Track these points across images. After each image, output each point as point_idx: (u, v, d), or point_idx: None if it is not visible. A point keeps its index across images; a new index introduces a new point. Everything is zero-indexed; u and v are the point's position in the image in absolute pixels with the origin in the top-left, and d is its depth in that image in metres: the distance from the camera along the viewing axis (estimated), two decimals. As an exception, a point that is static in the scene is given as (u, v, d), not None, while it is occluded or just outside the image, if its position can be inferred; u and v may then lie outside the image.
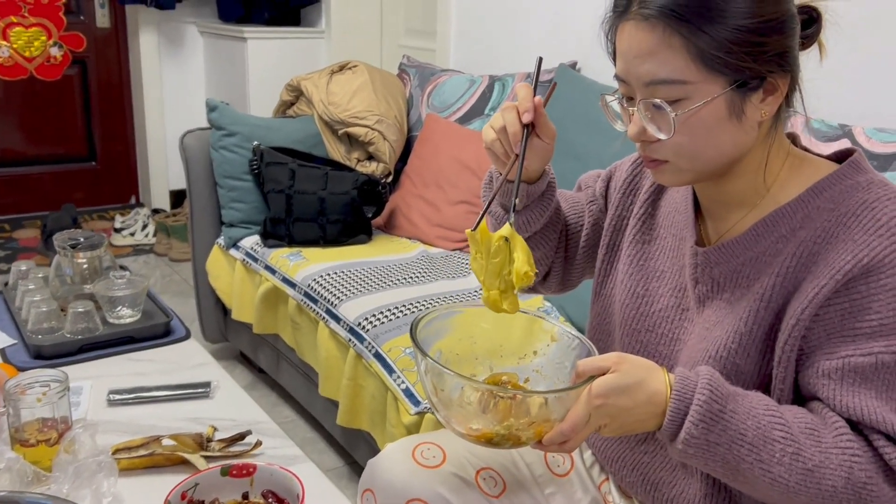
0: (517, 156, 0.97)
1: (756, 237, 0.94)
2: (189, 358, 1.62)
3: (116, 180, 4.32)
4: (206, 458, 1.25)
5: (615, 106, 0.95)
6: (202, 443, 1.27)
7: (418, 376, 0.96)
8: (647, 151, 0.92)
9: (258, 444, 1.29)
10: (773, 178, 0.93)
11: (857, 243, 0.85)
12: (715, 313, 0.97)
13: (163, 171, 4.19)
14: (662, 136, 0.88)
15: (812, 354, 0.89)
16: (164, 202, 4.22)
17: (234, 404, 1.45)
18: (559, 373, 1.02)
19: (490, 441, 0.90)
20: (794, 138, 0.98)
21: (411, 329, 0.94)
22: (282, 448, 1.32)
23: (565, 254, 1.21)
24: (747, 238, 0.94)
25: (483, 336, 1.04)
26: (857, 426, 0.86)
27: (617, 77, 0.92)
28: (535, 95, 0.98)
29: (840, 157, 0.97)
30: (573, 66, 2.50)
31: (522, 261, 0.92)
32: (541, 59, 0.99)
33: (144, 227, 3.92)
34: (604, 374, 0.87)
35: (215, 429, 1.33)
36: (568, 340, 1.01)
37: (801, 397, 0.93)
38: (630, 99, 0.91)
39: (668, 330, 1.04)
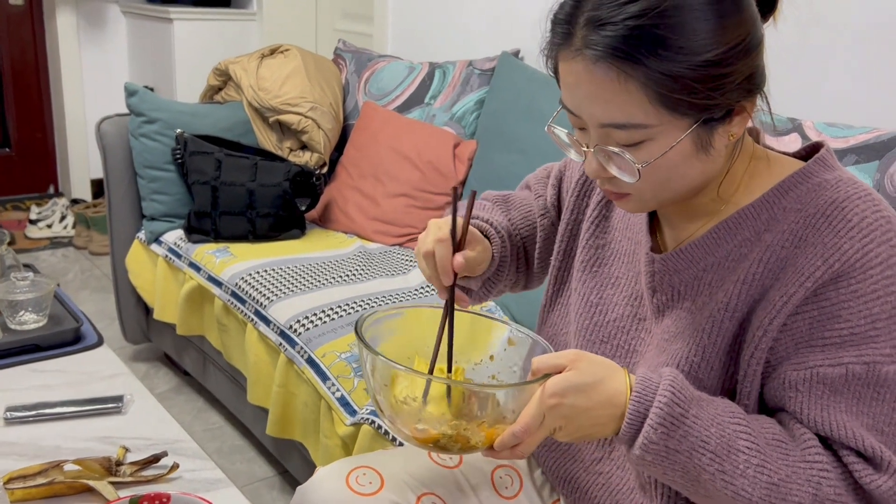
0: (444, 315, 0.92)
1: (717, 241, 0.88)
2: (101, 368, 1.50)
3: (33, 168, 4.14)
4: (114, 484, 1.14)
5: (563, 136, 0.87)
6: (111, 467, 1.17)
7: (363, 375, 0.89)
8: (606, 186, 0.87)
9: (175, 466, 1.19)
10: (734, 186, 0.88)
11: (828, 247, 0.81)
12: (675, 324, 0.92)
13: (83, 158, 4.02)
14: (627, 180, 0.82)
15: (779, 365, 0.84)
16: (84, 192, 4.06)
17: (149, 421, 1.34)
18: (514, 378, 0.98)
19: (437, 443, 0.84)
20: (755, 134, 0.92)
21: (357, 325, 0.88)
22: (202, 471, 1.22)
23: (526, 268, 1.17)
24: (708, 242, 0.89)
25: (433, 340, 0.97)
26: (825, 440, 0.82)
27: (564, 105, 0.84)
28: (455, 240, 0.91)
29: (807, 154, 0.91)
30: (516, 53, 2.46)
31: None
32: (455, 189, 0.92)
33: (63, 218, 3.75)
34: (560, 373, 0.82)
35: (127, 450, 1.23)
36: (524, 342, 0.97)
37: (766, 410, 0.88)
38: (582, 129, 0.84)
39: (623, 341, 0.99)
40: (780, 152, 0.92)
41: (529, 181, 1.18)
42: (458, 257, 0.92)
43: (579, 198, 1.07)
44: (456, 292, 0.94)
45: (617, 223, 1.03)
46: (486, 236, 1.06)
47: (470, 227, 0.96)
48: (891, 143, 1.58)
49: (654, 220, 0.98)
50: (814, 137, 1.70)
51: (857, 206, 0.82)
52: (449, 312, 0.92)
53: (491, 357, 0.99)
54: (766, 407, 0.87)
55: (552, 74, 0.86)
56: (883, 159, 1.58)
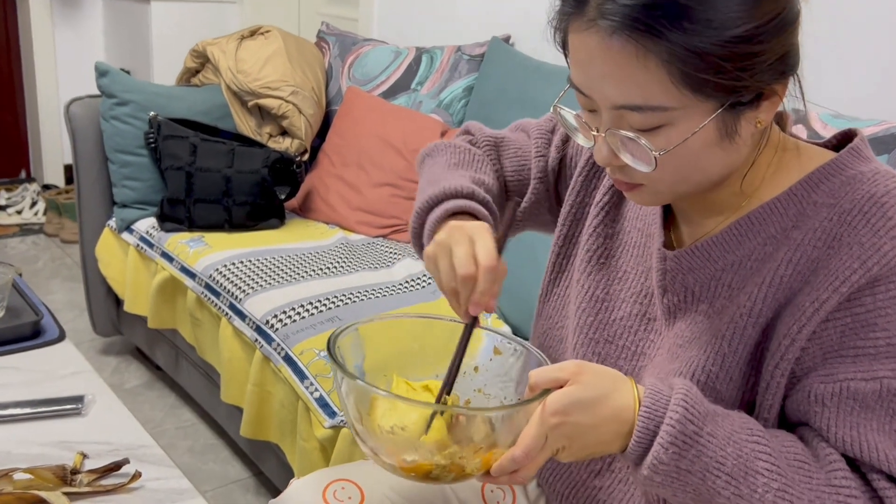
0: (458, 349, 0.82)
1: (738, 238, 0.81)
2: (61, 365, 1.40)
3: (3, 152, 4.04)
4: (70, 495, 1.05)
5: (571, 119, 0.80)
6: (66, 476, 1.07)
7: (339, 400, 0.82)
8: (617, 175, 0.79)
9: (137, 475, 1.10)
10: (759, 179, 0.81)
11: (865, 247, 0.73)
12: (689, 328, 0.84)
13: (56, 143, 3.93)
14: (642, 169, 0.75)
15: (804, 377, 0.77)
16: (57, 177, 3.96)
17: (111, 424, 1.24)
18: (504, 390, 0.90)
19: (428, 475, 0.76)
20: (782, 121, 0.84)
21: (329, 344, 0.80)
22: (167, 479, 1.13)
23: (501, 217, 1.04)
24: (727, 239, 0.81)
25: (413, 352, 0.91)
26: (853, 461, 0.75)
27: (573, 84, 0.76)
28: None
29: (838, 143, 0.84)
30: (506, 39, 2.42)
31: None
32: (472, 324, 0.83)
33: (33, 204, 3.68)
34: (561, 387, 0.74)
35: (85, 456, 1.14)
36: (510, 350, 0.89)
37: (787, 424, 0.81)
38: (592, 111, 0.77)
39: (630, 342, 0.92)
40: (808, 141, 0.84)
41: (528, 127, 1.05)
42: (495, 293, 0.81)
43: (587, 178, 0.98)
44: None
45: (628, 212, 0.95)
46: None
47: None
48: (901, 136, 1.51)
49: (669, 213, 0.90)
50: (819, 129, 1.64)
51: None
52: (465, 341, 0.82)
53: (476, 368, 0.91)
54: (787, 420, 0.81)
55: (560, 49, 0.78)
56: (893, 153, 1.51)
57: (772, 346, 0.78)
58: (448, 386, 0.80)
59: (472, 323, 0.81)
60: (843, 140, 0.83)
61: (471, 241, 0.81)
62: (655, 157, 0.72)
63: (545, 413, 0.72)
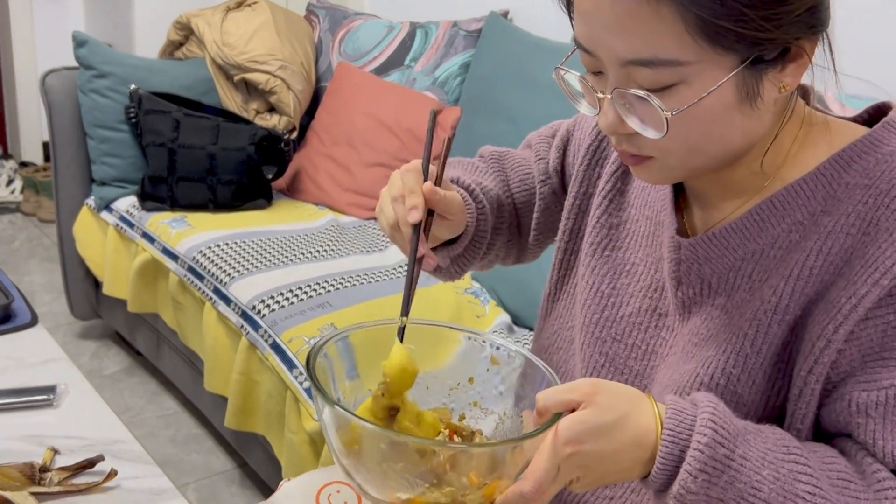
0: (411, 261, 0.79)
1: (761, 224, 0.74)
2: (33, 352, 1.34)
3: None
4: (37, 496, 0.98)
5: (575, 83, 0.74)
6: (34, 475, 1.00)
7: (321, 426, 0.72)
8: (624, 146, 0.73)
9: (112, 474, 1.03)
10: (782, 157, 0.74)
11: None
12: (706, 324, 0.78)
13: (34, 118, 3.87)
14: (651, 136, 0.68)
15: (842, 383, 0.71)
16: (35, 154, 3.91)
17: (85, 416, 1.18)
18: (501, 403, 0.83)
19: None
20: (806, 94, 0.78)
21: (308, 361, 0.72)
22: (145, 478, 1.06)
23: (518, 238, 1.03)
24: (748, 225, 0.75)
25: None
26: None
27: (577, 43, 0.70)
28: (427, 162, 0.83)
29: (870, 117, 0.77)
30: (505, 14, 2.37)
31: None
32: (434, 112, 0.83)
33: (10, 182, 3.64)
34: (573, 410, 0.67)
35: (56, 452, 1.08)
36: (508, 359, 0.81)
37: (821, 432, 0.75)
38: (598, 74, 0.70)
39: (640, 340, 0.86)
40: (838, 116, 0.78)
41: (532, 140, 1.04)
42: (429, 184, 0.80)
43: (590, 167, 0.93)
44: (423, 251, 0.80)
45: (634, 199, 0.89)
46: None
47: (451, 188, 0.86)
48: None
49: (679, 197, 0.84)
50: (837, 110, 1.57)
51: None
52: (413, 260, 0.79)
53: (470, 380, 0.84)
54: (823, 431, 0.75)
55: (564, 8, 0.72)
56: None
57: (803, 347, 0.71)
58: (405, 308, 0.79)
59: (417, 231, 0.79)
60: (875, 115, 0.77)
61: (402, 172, 0.83)
62: (667, 119, 0.66)
63: (557, 442, 0.66)
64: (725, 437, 0.66)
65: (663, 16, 0.62)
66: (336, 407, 0.67)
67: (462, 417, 0.83)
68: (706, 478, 0.65)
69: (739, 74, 0.65)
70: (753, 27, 0.62)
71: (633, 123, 0.68)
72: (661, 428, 0.66)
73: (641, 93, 0.66)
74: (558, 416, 0.67)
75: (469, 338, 0.82)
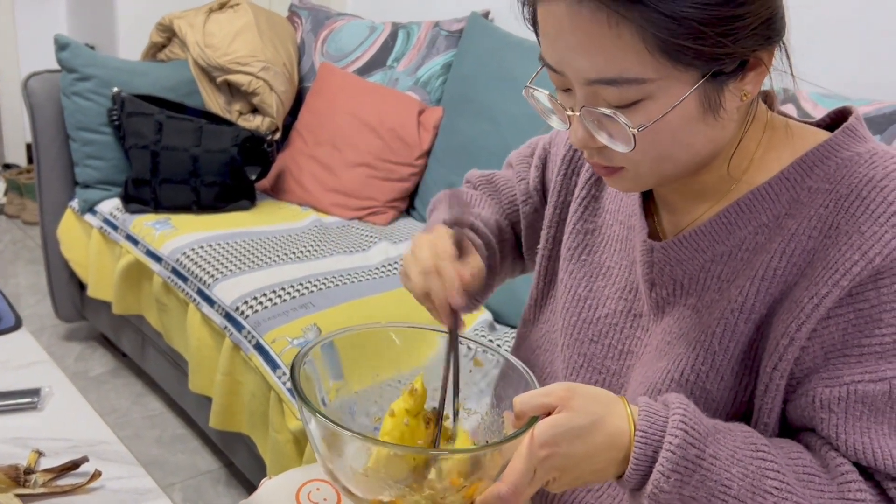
0: (447, 361, 0.78)
1: (729, 227, 0.76)
2: (16, 355, 1.33)
3: None
4: (22, 497, 0.98)
5: (545, 100, 0.75)
6: (18, 476, 1.00)
7: (307, 434, 0.76)
8: (596, 158, 0.74)
9: (97, 474, 1.03)
10: (747, 161, 0.76)
11: (866, 236, 0.69)
12: (677, 324, 0.80)
13: (17, 121, 3.83)
14: (621, 150, 0.69)
15: (806, 380, 0.72)
16: (19, 156, 3.86)
17: (69, 418, 1.17)
18: (480, 402, 0.84)
19: None
20: (769, 100, 0.79)
21: (292, 370, 0.73)
22: (129, 479, 1.06)
23: (520, 255, 1.05)
24: (716, 228, 0.77)
25: (388, 365, 0.85)
26: (866, 470, 0.71)
27: (544, 61, 0.71)
28: (459, 256, 0.83)
29: (832, 122, 0.79)
30: (486, 14, 2.37)
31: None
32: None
33: None
34: (549, 414, 0.68)
35: (41, 454, 1.07)
36: (490, 363, 0.82)
37: (786, 427, 0.76)
38: (566, 91, 0.72)
39: (616, 340, 0.87)
40: (800, 120, 0.79)
41: (512, 159, 1.06)
42: (466, 272, 0.80)
43: (566, 176, 0.95)
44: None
45: (608, 205, 0.91)
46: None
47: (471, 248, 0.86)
48: (893, 116, 1.47)
49: (648, 202, 0.86)
50: (810, 109, 1.59)
51: None
52: (453, 345, 0.78)
53: None
54: (789, 426, 0.76)
55: (530, 27, 0.72)
56: (885, 133, 1.47)
57: (768, 345, 0.73)
58: (442, 401, 0.77)
59: (454, 323, 0.78)
60: (836, 119, 0.78)
61: (432, 243, 0.83)
62: (634, 135, 0.67)
63: (533, 445, 0.67)
64: (696, 438, 0.67)
65: (623, 37, 0.63)
66: (323, 418, 0.68)
67: (445, 417, 0.83)
68: (678, 477, 0.66)
69: (701, 88, 0.66)
70: (711, 44, 0.63)
71: (603, 139, 0.69)
72: (634, 429, 0.68)
73: (608, 111, 0.67)
74: (535, 419, 0.68)
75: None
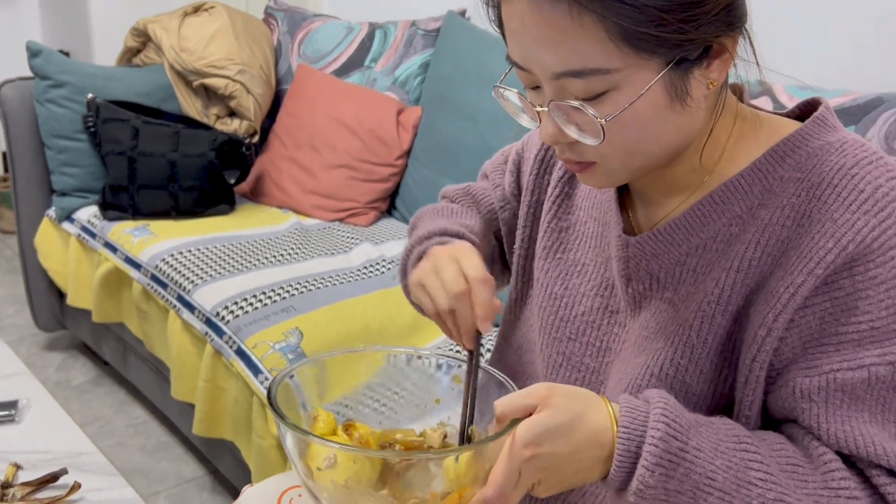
0: (468, 384, 0.77)
1: (703, 219, 0.76)
2: None
3: None
4: None
5: (514, 99, 0.75)
6: None
7: (285, 451, 0.73)
8: (567, 154, 0.74)
9: (76, 486, 1.03)
10: (719, 152, 0.76)
11: (838, 224, 0.69)
12: (655, 318, 0.79)
13: None
14: (590, 142, 0.69)
15: (785, 370, 0.72)
16: None
17: (48, 430, 1.16)
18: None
19: None
20: (739, 92, 0.80)
21: (269, 392, 0.73)
22: (109, 490, 1.06)
23: (500, 263, 1.05)
24: (691, 220, 0.76)
25: (360, 376, 0.85)
26: (849, 458, 0.71)
27: (511, 60, 0.71)
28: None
29: (802, 113, 0.79)
30: (462, 13, 2.35)
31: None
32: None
33: None
34: (530, 415, 0.68)
35: (19, 467, 1.07)
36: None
37: (768, 417, 0.76)
38: (535, 88, 0.72)
39: (594, 337, 0.87)
40: (770, 112, 0.80)
41: (487, 169, 1.05)
42: (496, 299, 0.79)
43: (539, 175, 0.94)
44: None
45: (581, 202, 0.91)
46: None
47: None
48: (867, 106, 1.48)
49: (623, 197, 0.85)
50: (785, 101, 1.60)
51: (870, 174, 0.70)
52: (474, 370, 0.77)
53: (437, 400, 0.84)
54: (771, 417, 0.76)
55: (496, 28, 0.72)
56: (859, 124, 1.48)
57: (746, 336, 0.73)
58: (468, 424, 0.76)
59: (477, 346, 0.77)
60: (806, 110, 0.78)
61: (456, 260, 0.80)
62: (602, 126, 0.67)
63: (516, 445, 0.66)
64: (678, 430, 0.67)
65: (586, 27, 0.63)
66: (299, 432, 0.68)
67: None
68: (663, 471, 0.66)
69: (666, 76, 0.66)
70: (673, 30, 0.63)
71: (572, 132, 0.69)
72: (616, 426, 0.67)
73: (576, 103, 0.67)
74: (516, 421, 0.67)
75: (414, 357, 0.83)
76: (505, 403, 0.68)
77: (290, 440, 0.70)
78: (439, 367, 0.84)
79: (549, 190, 0.92)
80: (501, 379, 0.76)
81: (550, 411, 0.67)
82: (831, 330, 0.69)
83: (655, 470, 0.66)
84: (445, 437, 0.80)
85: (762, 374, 0.72)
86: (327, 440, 0.69)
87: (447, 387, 0.83)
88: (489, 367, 0.79)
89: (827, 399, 0.70)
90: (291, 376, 0.76)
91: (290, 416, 0.71)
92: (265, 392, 1.48)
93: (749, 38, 0.70)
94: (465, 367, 0.80)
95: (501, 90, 0.74)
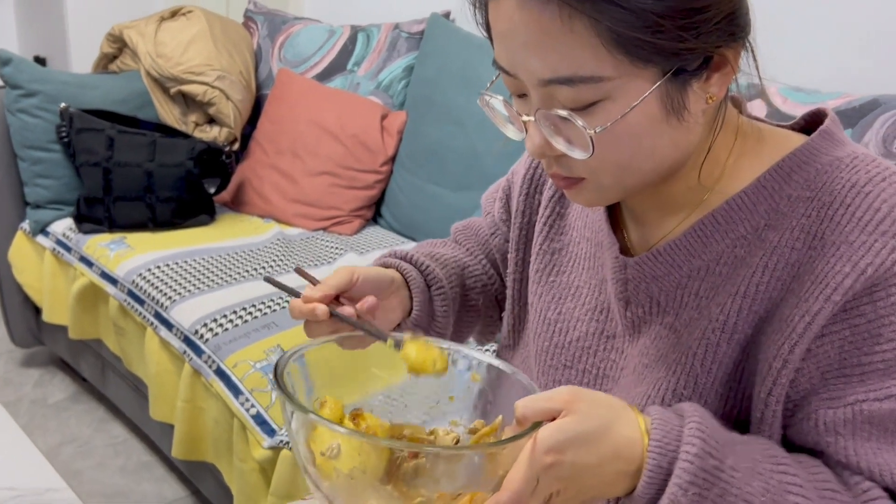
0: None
1: (705, 239, 0.72)
2: None
3: None
4: None
5: (500, 107, 0.71)
6: None
7: (288, 438, 0.75)
8: (555, 168, 0.70)
9: (42, 527, 0.95)
10: (719, 169, 0.72)
11: (854, 246, 0.65)
12: (655, 344, 0.75)
13: None
14: (579, 156, 0.65)
15: (805, 402, 0.68)
16: None
17: (13, 463, 1.10)
18: (485, 419, 0.78)
19: None
20: (738, 104, 0.75)
21: (276, 369, 0.68)
22: None
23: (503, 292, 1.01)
24: (692, 240, 0.72)
25: (376, 379, 0.80)
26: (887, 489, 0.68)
27: (498, 65, 0.67)
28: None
29: (807, 125, 0.75)
30: (446, 15, 2.31)
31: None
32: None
33: None
34: (553, 419, 0.63)
35: None
36: (489, 376, 0.77)
37: (787, 443, 0.72)
38: (522, 96, 0.67)
39: (590, 364, 0.83)
40: (773, 124, 0.75)
41: (482, 200, 1.02)
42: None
43: (529, 196, 0.90)
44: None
45: (574, 222, 0.86)
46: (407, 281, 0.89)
47: (376, 272, 0.82)
48: (864, 109, 1.44)
49: (615, 216, 0.81)
50: (779, 104, 1.56)
51: (884, 191, 0.66)
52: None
53: (451, 398, 0.79)
54: (788, 446, 0.72)
55: (484, 31, 0.68)
56: (856, 127, 1.44)
57: (760, 368, 0.68)
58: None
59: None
60: (810, 121, 0.74)
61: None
62: (592, 138, 0.62)
63: (536, 451, 0.61)
64: (714, 448, 0.62)
65: (577, 31, 0.59)
66: (306, 413, 0.63)
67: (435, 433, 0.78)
68: (697, 490, 0.61)
69: (662, 87, 0.62)
70: (670, 38, 0.59)
71: (560, 145, 0.65)
72: (647, 439, 0.63)
73: (564, 113, 0.63)
74: (538, 424, 0.63)
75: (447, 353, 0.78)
76: (527, 405, 0.63)
77: (295, 421, 0.66)
78: (455, 362, 0.80)
79: (541, 211, 0.88)
80: (522, 380, 0.72)
81: (577, 417, 0.62)
82: (853, 360, 0.65)
83: (689, 489, 0.61)
84: (458, 441, 0.75)
85: (779, 409, 0.68)
86: (335, 424, 0.64)
87: (463, 385, 0.79)
88: (512, 366, 0.75)
89: (854, 432, 0.66)
90: (301, 357, 0.72)
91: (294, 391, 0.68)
92: (245, 413, 1.43)
93: (752, 50, 0.66)
94: (483, 365, 0.77)
95: (487, 98, 0.70)
